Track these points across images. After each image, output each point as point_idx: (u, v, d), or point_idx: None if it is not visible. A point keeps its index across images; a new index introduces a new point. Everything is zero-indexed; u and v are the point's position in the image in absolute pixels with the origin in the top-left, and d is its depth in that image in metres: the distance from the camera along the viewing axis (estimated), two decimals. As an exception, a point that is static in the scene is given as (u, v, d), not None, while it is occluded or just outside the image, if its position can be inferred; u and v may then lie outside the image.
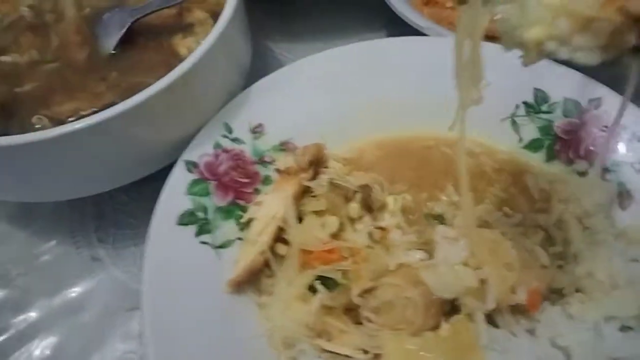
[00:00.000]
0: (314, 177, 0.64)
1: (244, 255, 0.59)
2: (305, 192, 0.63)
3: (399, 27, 0.86)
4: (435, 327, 0.53)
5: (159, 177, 0.65)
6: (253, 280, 0.59)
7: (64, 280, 0.69)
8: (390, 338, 0.51)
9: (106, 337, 0.64)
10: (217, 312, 0.56)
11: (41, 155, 0.57)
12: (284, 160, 0.66)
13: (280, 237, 0.60)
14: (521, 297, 0.52)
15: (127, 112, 0.56)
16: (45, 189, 0.65)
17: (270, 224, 0.60)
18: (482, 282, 0.53)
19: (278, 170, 0.67)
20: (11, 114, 0.63)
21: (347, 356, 0.54)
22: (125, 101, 0.56)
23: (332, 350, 0.54)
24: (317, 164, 0.65)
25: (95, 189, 0.66)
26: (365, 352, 0.54)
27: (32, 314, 0.66)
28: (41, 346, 0.63)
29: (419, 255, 0.56)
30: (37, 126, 0.62)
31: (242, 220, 0.62)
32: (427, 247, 0.59)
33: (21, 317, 0.66)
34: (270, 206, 0.61)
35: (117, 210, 0.74)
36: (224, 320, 0.56)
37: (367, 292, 0.55)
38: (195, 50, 0.61)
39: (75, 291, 0.68)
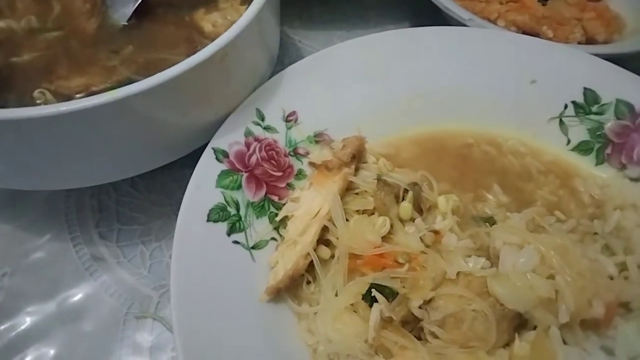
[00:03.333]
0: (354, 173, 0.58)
1: (282, 258, 0.52)
2: (347, 190, 0.56)
3: (423, 18, 0.82)
4: (506, 344, 0.48)
5: (166, 167, 0.58)
6: (292, 286, 0.52)
7: (60, 282, 0.59)
8: (464, 357, 0.45)
9: (112, 350, 0.55)
10: (252, 322, 0.49)
11: (43, 135, 0.49)
12: (320, 154, 0.60)
13: (321, 238, 0.54)
14: (598, 311, 0.48)
15: (152, 90, 0.49)
16: (43, 176, 0.56)
17: (312, 224, 0.53)
18: (555, 292, 0.47)
19: (313, 164, 0.60)
20: (8, 86, 0.55)
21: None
22: (149, 78, 0.49)
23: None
24: (357, 158, 0.59)
25: (104, 178, 0.58)
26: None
27: (23, 322, 0.56)
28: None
29: (480, 262, 0.51)
30: (38, 101, 0.54)
31: (277, 219, 0.55)
32: (483, 253, 0.53)
33: (8, 325, 0.56)
34: (311, 203, 0.54)
35: (120, 203, 0.66)
36: (259, 332, 0.49)
37: (426, 303, 0.49)
38: (230, 25, 0.53)
39: (73, 295, 0.59)
